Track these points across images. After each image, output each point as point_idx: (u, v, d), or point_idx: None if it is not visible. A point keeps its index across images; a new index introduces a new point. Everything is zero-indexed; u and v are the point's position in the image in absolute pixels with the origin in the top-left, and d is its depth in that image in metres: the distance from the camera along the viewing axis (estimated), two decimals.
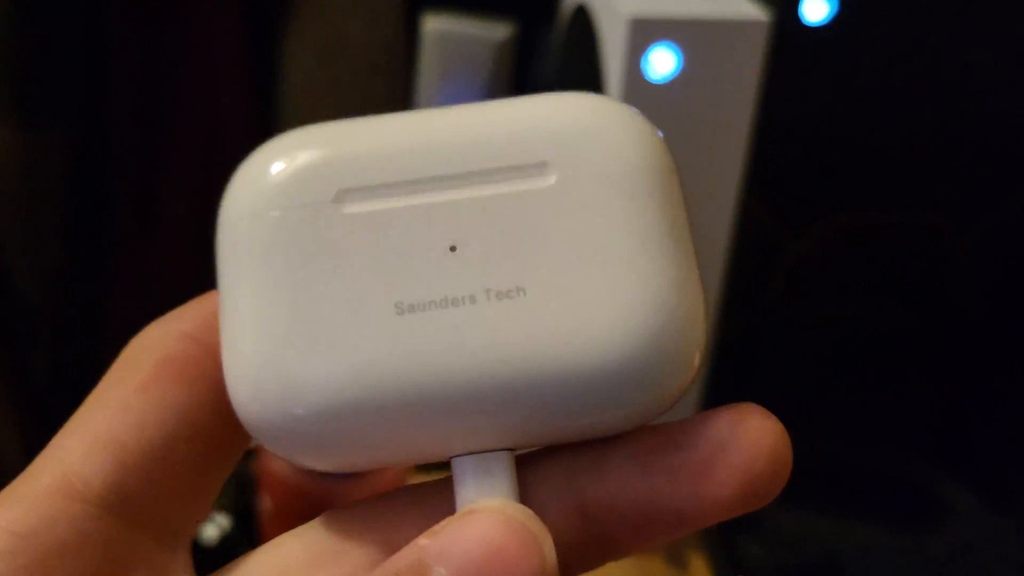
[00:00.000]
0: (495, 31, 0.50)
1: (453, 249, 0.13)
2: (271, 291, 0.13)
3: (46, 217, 0.63)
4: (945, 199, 0.51)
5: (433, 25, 0.50)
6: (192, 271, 0.66)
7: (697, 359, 0.13)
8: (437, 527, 0.12)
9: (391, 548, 0.13)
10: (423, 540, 0.12)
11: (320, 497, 0.48)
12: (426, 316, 0.12)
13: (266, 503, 0.58)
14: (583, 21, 0.51)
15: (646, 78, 0.45)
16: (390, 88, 0.62)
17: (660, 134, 0.15)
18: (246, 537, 0.57)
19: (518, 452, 0.13)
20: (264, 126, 0.62)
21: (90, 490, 0.13)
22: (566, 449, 0.13)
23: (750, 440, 0.13)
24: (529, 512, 0.12)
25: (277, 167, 0.14)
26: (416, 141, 0.14)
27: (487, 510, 0.12)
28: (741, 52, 0.45)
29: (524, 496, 0.13)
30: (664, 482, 0.13)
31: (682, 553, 0.53)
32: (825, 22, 0.45)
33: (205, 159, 0.62)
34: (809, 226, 0.50)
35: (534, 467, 0.13)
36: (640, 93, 0.45)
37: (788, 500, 0.59)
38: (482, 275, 0.13)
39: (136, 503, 0.14)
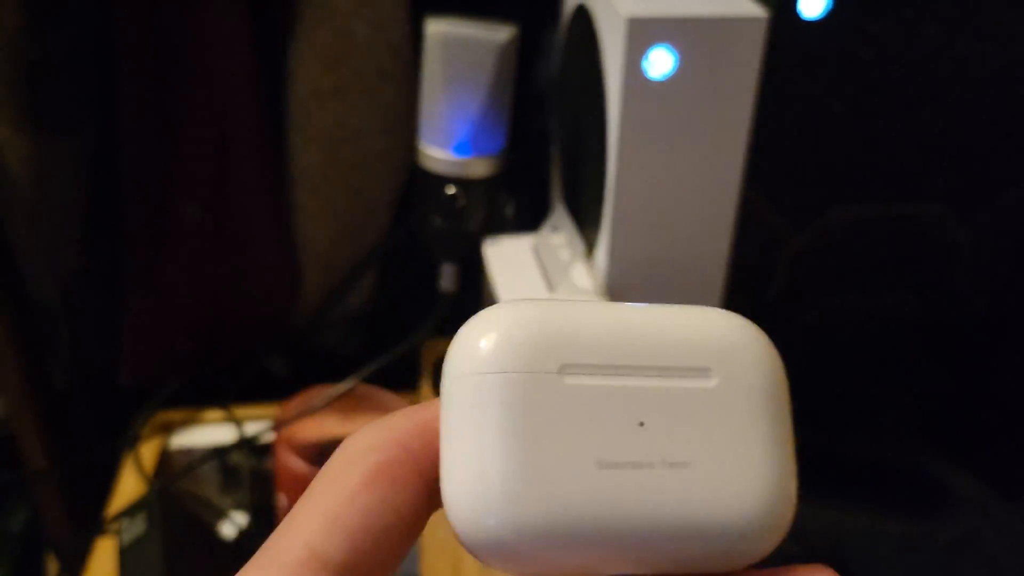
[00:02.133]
0: (497, 33, 0.51)
1: (642, 424, 0.17)
2: (498, 435, 0.16)
3: (62, 223, 0.64)
4: (945, 190, 0.51)
5: (436, 28, 0.51)
6: (204, 272, 0.67)
7: (790, 525, 0.18)
8: None
9: None
10: None
11: None
12: (620, 473, 0.17)
13: (283, 501, 0.59)
14: (584, 21, 0.51)
15: (646, 76, 0.45)
16: (396, 90, 0.63)
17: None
18: (263, 534, 0.58)
19: None
20: (272, 130, 0.63)
21: (329, 564, 0.16)
22: None
23: None
24: None
25: (510, 336, 0.17)
26: (619, 333, 0.18)
27: None
28: (739, 48, 0.46)
29: None
30: None
31: None
32: (820, 16, 0.45)
33: (215, 163, 0.63)
34: (810, 219, 0.51)
35: None
36: (640, 91, 0.45)
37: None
38: (661, 448, 0.17)
39: (360, 572, 0.17)
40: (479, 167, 0.54)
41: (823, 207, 0.50)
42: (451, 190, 0.54)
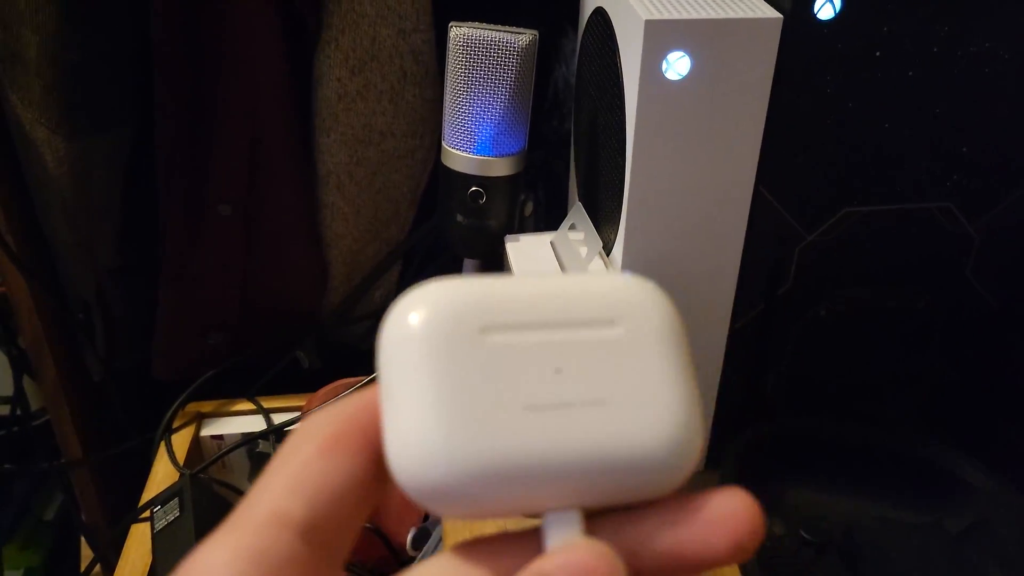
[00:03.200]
0: (518, 37, 0.52)
1: (559, 371, 0.19)
2: (430, 391, 0.18)
3: (98, 220, 0.66)
4: (956, 187, 0.53)
5: (459, 31, 0.52)
6: (235, 268, 0.69)
7: (701, 454, 0.20)
8: (550, 553, 0.18)
9: (504, 572, 0.18)
10: (540, 562, 0.17)
11: None
12: (544, 414, 0.19)
13: None
14: (602, 23, 0.53)
15: (662, 77, 0.47)
16: (420, 93, 0.65)
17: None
18: None
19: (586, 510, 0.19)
20: (302, 131, 0.65)
21: (291, 523, 0.18)
22: (614, 511, 0.19)
23: (740, 512, 0.19)
24: (610, 549, 0.18)
25: (438, 304, 0.19)
26: (532, 295, 0.20)
27: (585, 544, 0.18)
28: (754, 49, 0.47)
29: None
30: (682, 534, 0.19)
31: None
32: (833, 17, 0.47)
33: (247, 163, 0.65)
34: (824, 217, 0.52)
35: (593, 521, 0.19)
36: (657, 92, 0.47)
37: (808, 480, 0.61)
38: (579, 389, 0.19)
39: (320, 533, 0.19)
40: (500, 167, 0.56)
41: (835, 206, 0.51)
42: (474, 189, 0.56)
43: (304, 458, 0.19)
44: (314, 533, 0.18)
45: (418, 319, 0.19)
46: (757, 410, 0.58)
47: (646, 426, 0.19)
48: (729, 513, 0.19)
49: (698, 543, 0.19)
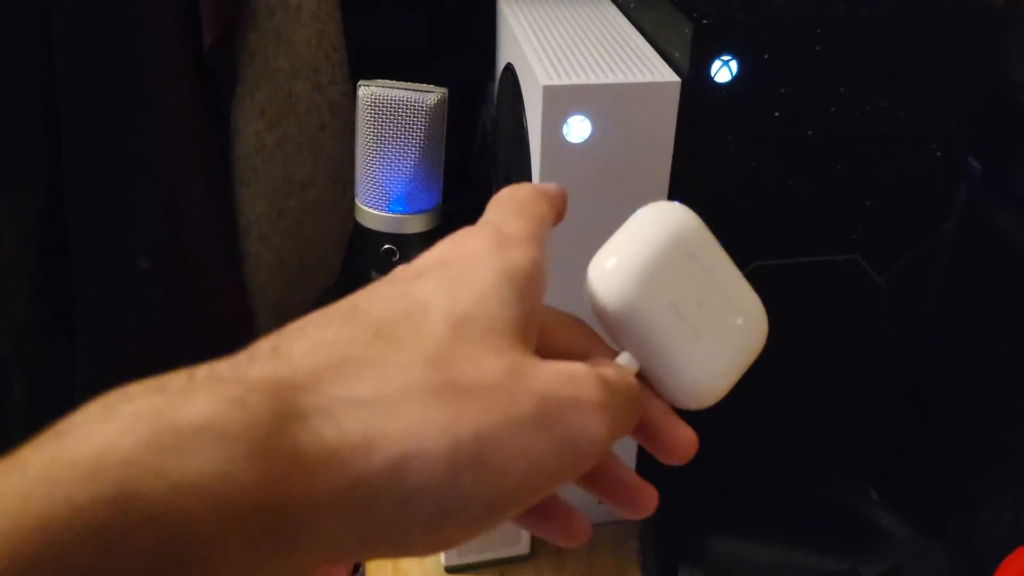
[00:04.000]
0: (426, 95, 0.53)
1: (699, 305, 0.28)
2: (651, 252, 0.28)
3: (13, 277, 0.65)
4: (861, 239, 0.53)
5: (366, 91, 0.52)
6: (157, 322, 0.68)
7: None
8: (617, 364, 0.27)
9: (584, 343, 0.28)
10: (606, 368, 0.25)
11: None
12: (681, 312, 0.28)
13: None
14: (512, 79, 0.53)
15: (564, 139, 0.47)
16: (339, 143, 0.65)
17: None
18: None
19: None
20: (221, 183, 0.65)
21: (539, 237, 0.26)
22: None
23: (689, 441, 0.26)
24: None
25: (691, 219, 0.29)
26: (717, 259, 0.30)
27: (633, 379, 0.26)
28: (653, 112, 0.47)
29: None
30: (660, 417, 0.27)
31: None
32: (730, 81, 0.47)
33: (165, 217, 0.64)
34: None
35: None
36: (559, 153, 0.47)
37: (727, 528, 0.61)
38: (702, 316, 0.28)
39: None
40: (414, 223, 0.56)
41: (744, 260, 0.52)
42: (387, 247, 0.56)
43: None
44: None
45: (683, 214, 0.29)
46: None
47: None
48: (685, 437, 0.27)
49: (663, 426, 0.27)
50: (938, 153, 0.51)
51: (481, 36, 0.62)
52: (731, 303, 0.29)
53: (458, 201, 0.61)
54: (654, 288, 0.27)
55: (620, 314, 0.27)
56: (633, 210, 0.50)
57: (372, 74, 0.54)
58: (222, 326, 0.71)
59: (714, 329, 0.28)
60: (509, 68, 0.54)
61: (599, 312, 0.27)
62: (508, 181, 0.56)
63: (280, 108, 0.61)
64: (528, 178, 0.50)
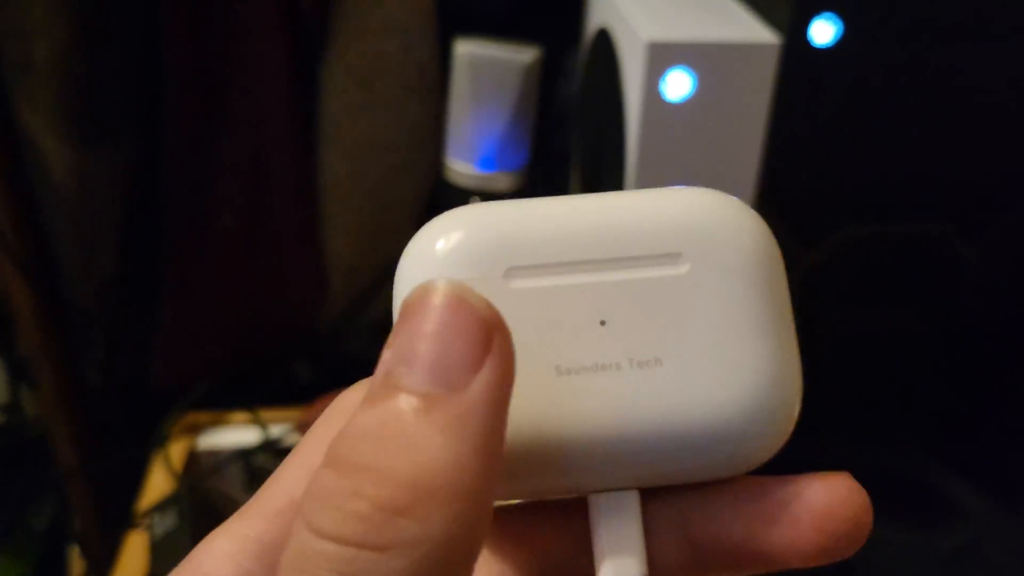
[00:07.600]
0: (522, 54, 0.53)
1: (603, 323, 0.15)
2: None
3: (101, 230, 0.67)
4: (953, 209, 0.53)
5: (464, 48, 0.53)
6: (236, 279, 0.70)
7: (793, 423, 0.16)
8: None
9: (543, 555, 0.16)
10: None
11: None
12: (580, 378, 0.15)
13: None
14: (605, 43, 0.54)
15: (663, 98, 0.47)
16: (422, 107, 0.66)
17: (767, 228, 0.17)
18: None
19: (643, 489, 0.16)
20: (305, 144, 0.66)
21: None
22: (679, 490, 0.16)
23: (836, 507, 0.15)
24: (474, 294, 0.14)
25: (452, 242, 0.16)
26: (571, 227, 0.16)
27: None
28: (753, 73, 0.48)
29: (646, 528, 0.16)
30: (759, 527, 0.15)
31: None
32: (832, 44, 0.48)
33: (251, 176, 0.65)
34: (822, 238, 0.52)
35: (654, 504, 0.16)
36: (658, 112, 0.48)
37: None
38: (627, 347, 0.15)
39: None
40: (502, 182, 0.57)
41: (834, 227, 0.52)
42: (474, 198, 0.56)
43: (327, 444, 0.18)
44: None
45: (435, 257, 0.16)
46: None
47: (712, 389, 0.15)
48: (823, 508, 0.15)
49: (779, 540, 0.15)
50: None
51: (563, 4, 0.63)
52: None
53: (538, 167, 0.62)
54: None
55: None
56: (728, 170, 0.51)
57: (461, 33, 0.55)
58: (297, 287, 0.72)
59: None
60: (603, 33, 0.55)
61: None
62: (596, 151, 0.57)
63: (369, 68, 0.62)
64: (622, 143, 0.50)
